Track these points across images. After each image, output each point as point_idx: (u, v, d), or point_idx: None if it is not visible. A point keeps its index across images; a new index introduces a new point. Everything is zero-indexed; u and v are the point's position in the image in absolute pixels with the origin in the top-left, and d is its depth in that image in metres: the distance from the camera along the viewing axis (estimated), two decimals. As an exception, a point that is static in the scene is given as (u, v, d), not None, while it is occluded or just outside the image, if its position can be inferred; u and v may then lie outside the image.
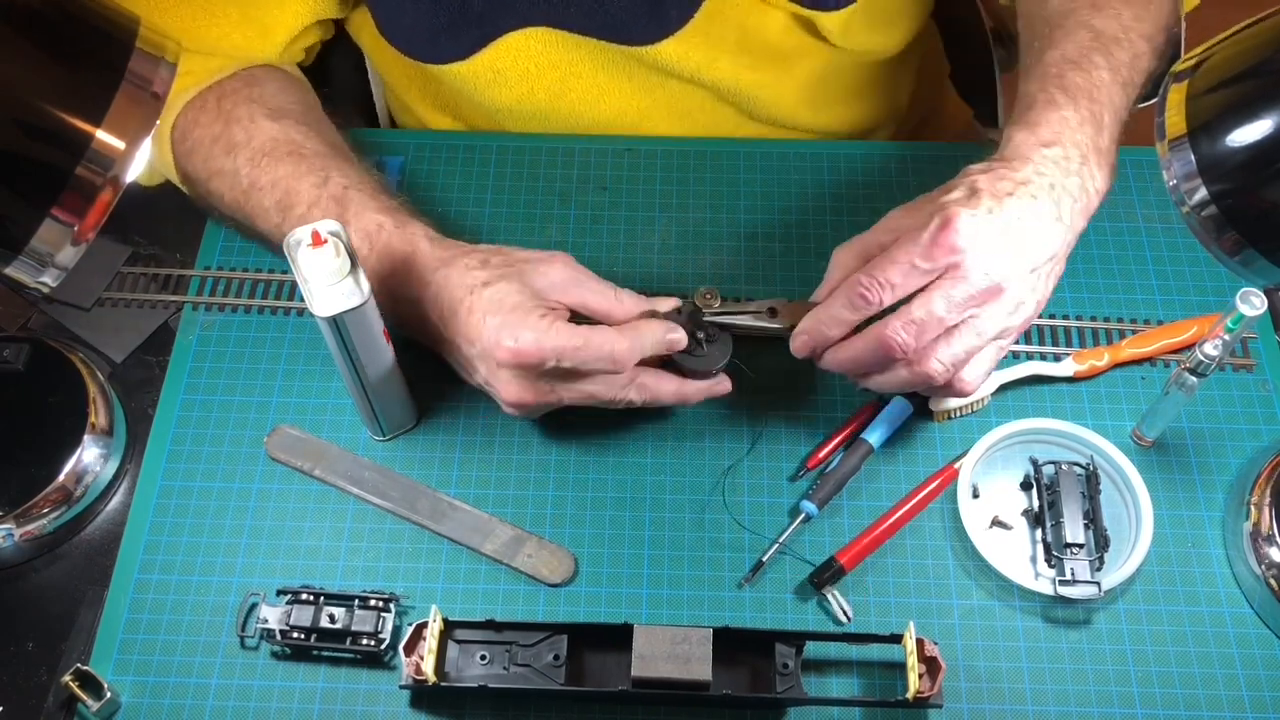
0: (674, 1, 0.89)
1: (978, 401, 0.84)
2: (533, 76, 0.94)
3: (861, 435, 0.82)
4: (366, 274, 0.79)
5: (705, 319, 0.78)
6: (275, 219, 0.82)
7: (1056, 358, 0.86)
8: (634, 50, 0.91)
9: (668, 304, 0.80)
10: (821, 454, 0.82)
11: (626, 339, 0.74)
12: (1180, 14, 0.88)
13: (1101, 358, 0.85)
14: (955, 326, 0.72)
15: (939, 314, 0.71)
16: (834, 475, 0.80)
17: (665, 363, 0.79)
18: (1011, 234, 0.71)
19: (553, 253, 0.79)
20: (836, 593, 0.77)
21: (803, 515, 0.80)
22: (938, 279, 0.71)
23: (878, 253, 0.74)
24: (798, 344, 0.76)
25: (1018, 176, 0.74)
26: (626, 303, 0.78)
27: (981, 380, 0.75)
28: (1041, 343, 0.88)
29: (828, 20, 0.93)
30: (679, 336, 0.77)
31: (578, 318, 0.77)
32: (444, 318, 0.77)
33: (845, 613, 0.76)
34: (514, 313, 0.74)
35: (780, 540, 0.79)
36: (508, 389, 0.75)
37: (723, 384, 0.81)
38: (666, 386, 0.79)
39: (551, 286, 0.77)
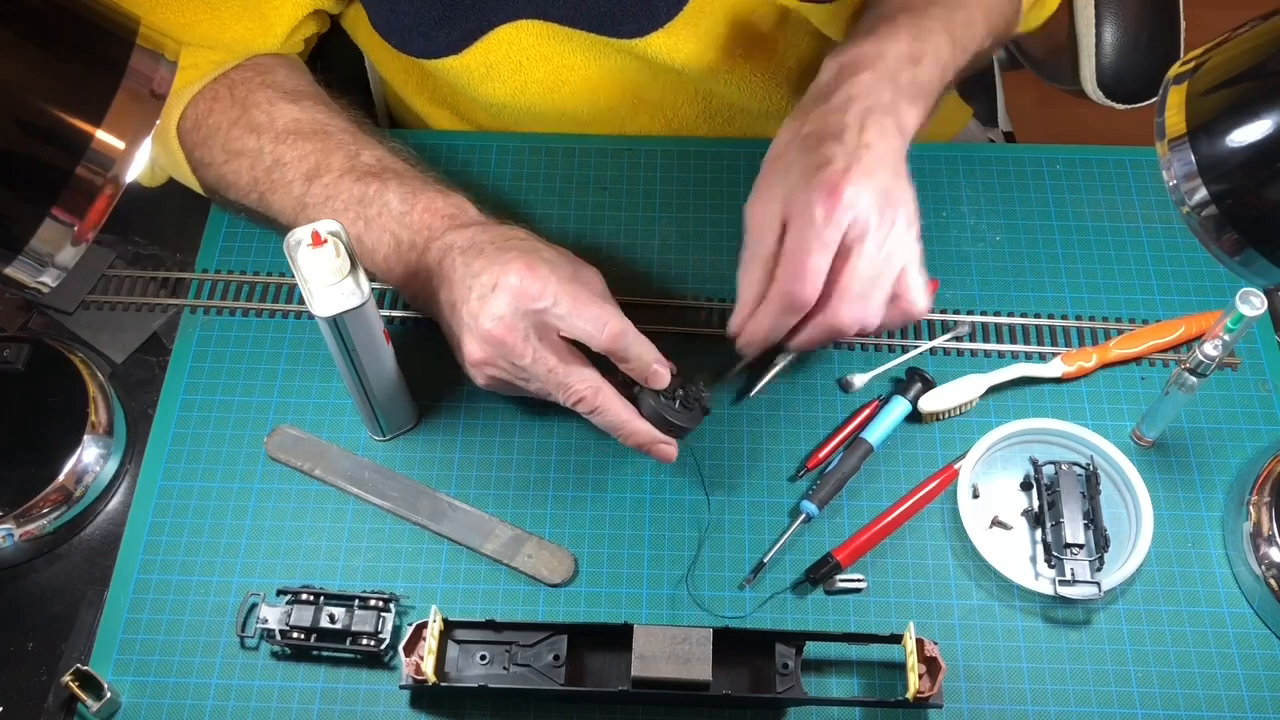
0: None
1: (966, 403, 0.84)
2: (525, 70, 0.94)
3: (861, 435, 0.82)
4: (406, 226, 0.79)
5: (700, 391, 0.78)
6: (299, 190, 0.81)
7: (1046, 357, 0.87)
8: (624, 43, 0.91)
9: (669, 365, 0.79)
10: (821, 454, 0.82)
11: (621, 322, 0.74)
12: (1020, 13, 0.90)
13: (1090, 359, 0.85)
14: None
15: (867, 275, 0.73)
16: (834, 475, 0.80)
17: (632, 400, 0.77)
18: (874, 165, 0.73)
19: (592, 266, 0.79)
20: (839, 578, 0.77)
21: (803, 515, 0.80)
22: (843, 244, 0.72)
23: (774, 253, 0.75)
24: (750, 351, 0.77)
25: (835, 106, 0.75)
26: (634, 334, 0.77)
27: (927, 295, 0.77)
28: (1040, 342, 0.88)
29: (815, 13, 0.93)
30: (663, 372, 0.76)
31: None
32: (469, 254, 0.76)
33: (858, 579, 0.77)
34: (538, 256, 0.74)
35: (781, 540, 0.79)
36: (492, 310, 0.73)
37: (670, 447, 0.77)
38: (619, 408, 0.76)
39: (579, 276, 0.77)
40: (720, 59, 0.95)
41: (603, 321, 0.73)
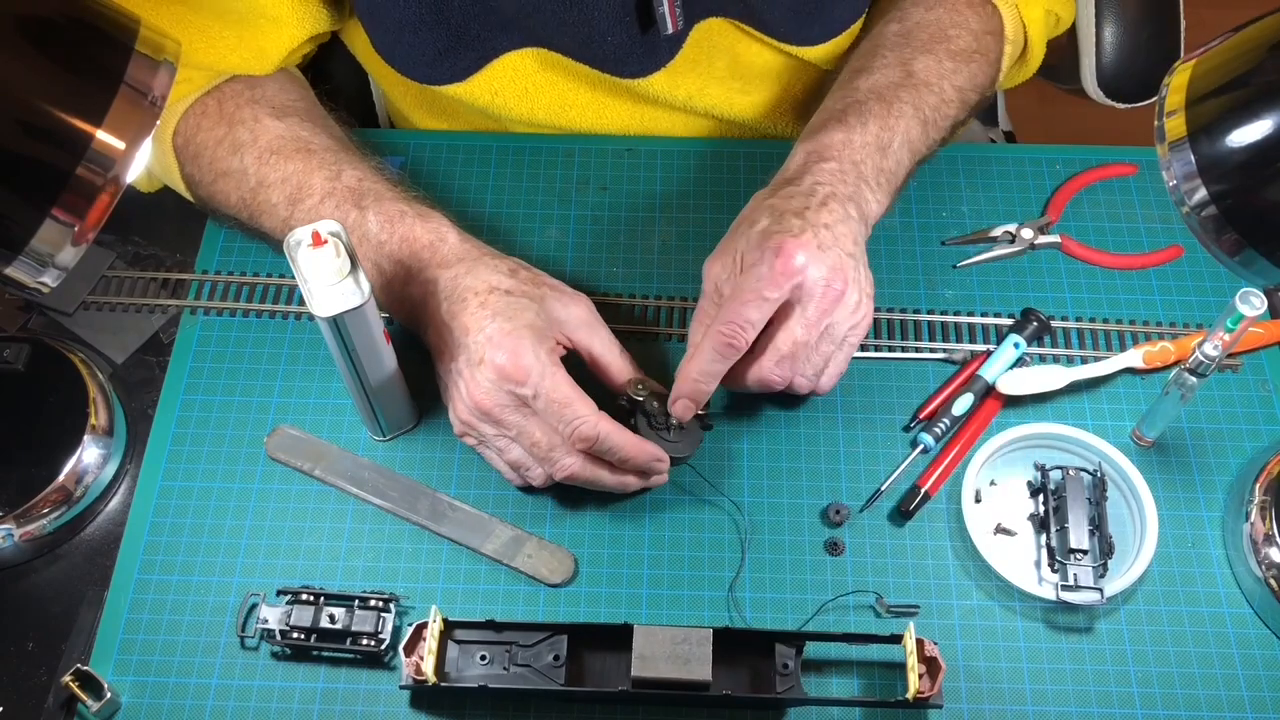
0: (662, 38, 0.89)
1: (1044, 392, 0.85)
2: (532, 95, 0.94)
3: (980, 374, 0.85)
4: (386, 256, 0.79)
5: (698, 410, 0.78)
6: (284, 213, 0.81)
7: (1045, 358, 0.87)
8: (624, 82, 0.92)
9: (659, 387, 0.79)
10: (937, 401, 0.84)
11: (597, 426, 0.74)
12: (1000, 76, 0.91)
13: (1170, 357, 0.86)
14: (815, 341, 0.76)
15: (801, 339, 0.75)
16: (951, 413, 0.83)
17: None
18: (828, 241, 0.75)
19: (578, 293, 0.80)
20: (890, 603, 0.77)
21: (920, 447, 0.82)
22: (786, 304, 0.75)
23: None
24: (679, 408, 0.78)
25: (801, 190, 0.77)
26: (626, 366, 0.79)
27: (837, 379, 0.80)
28: (1039, 343, 0.88)
29: (812, 53, 0.93)
30: (662, 476, 0.78)
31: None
32: (452, 302, 0.77)
33: (913, 607, 0.77)
34: (525, 331, 0.74)
35: (898, 471, 0.82)
36: (477, 387, 0.74)
37: (661, 479, 0.79)
38: (607, 477, 0.77)
39: (567, 320, 0.78)
40: (723, 94, 0.95)
41: (573, 425, 0.74)
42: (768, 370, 0.76)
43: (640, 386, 0.78)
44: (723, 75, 0.94)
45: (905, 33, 0.88)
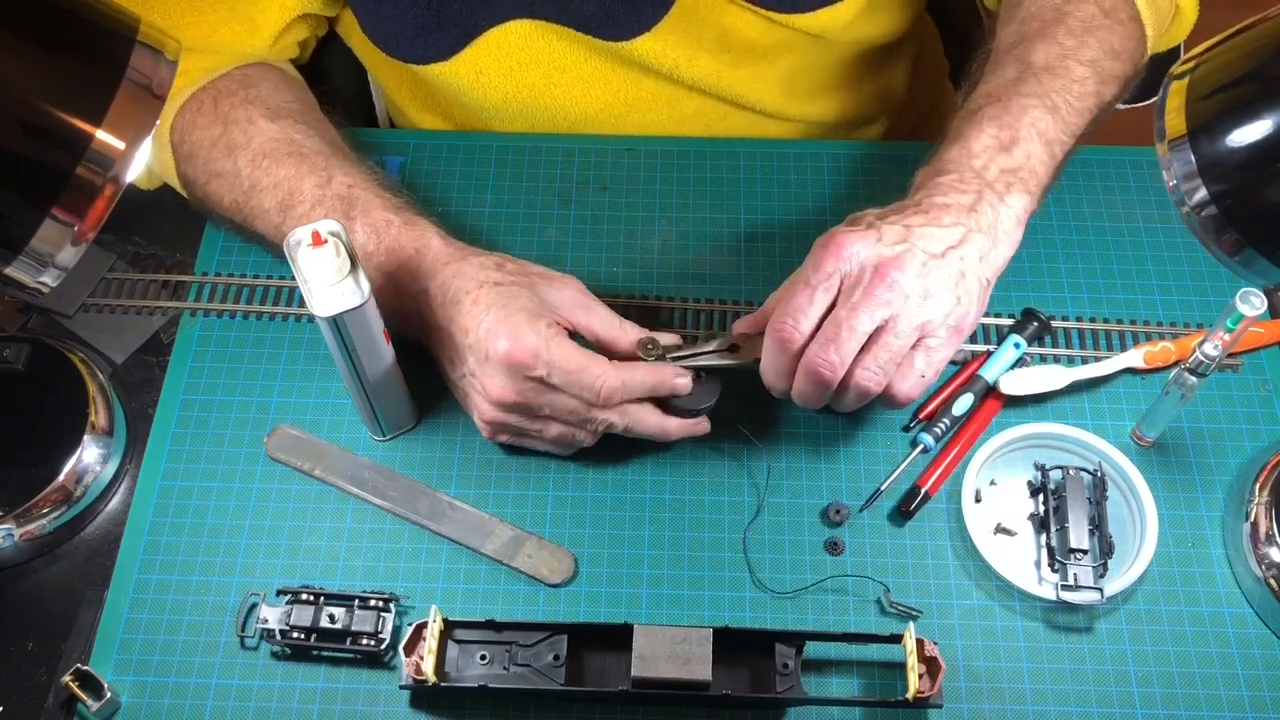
0: None
1: (1045, 392, 0.84)
2: (516, 74, 0.93)
3: (980, 374, 0.85)
4: (374, 268, 0.79)
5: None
6: (276, 219, 0.82)
7: (1046, 358, 0.87)
8: (612, 45, 0.91)
9: (670, 338, 0.80)
10: (936, 402, 0.84)
11: (619, 377, 0.75)
12: (1148, 44, 0.87)
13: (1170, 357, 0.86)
14: (875, 335, 0.72)
15: (846, 321, 0.71)
16: (951, 413, 0.83)
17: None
18: (897, 237, 0.72)
19: (566, 275, 0.80)
20: (897, 602, 0.77)
21: (920, 447, 0.82)
22: (839, 295, 0.73)
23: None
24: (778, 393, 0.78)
25: (909, 204, 0.76)
26: (630, 334, 0.79)
27: (918, 388, 0.74)
28: (1039, 343, 0.88)
29: (803, 21, 0.93)
30: (684, 382, 0.78)
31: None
32: (446, 307, 0.77)
33: (915, 609, 0.77)
34: (520, 314, 0.74)
35: (898, 471, 0.81)
36: (493, 383, 0.75)
37: (702, 424, 0.81)
38: (649, 417, 0.79)
39: (561, 303, 0.78)
40: (710, 63, 0.95)
41: (597, 387, 0.74)
42: (812, 353, 0.72)
43: (651, 346, 0.78)
44: (712, 47, 0.94)
45: (1018, 30, 0.85)
